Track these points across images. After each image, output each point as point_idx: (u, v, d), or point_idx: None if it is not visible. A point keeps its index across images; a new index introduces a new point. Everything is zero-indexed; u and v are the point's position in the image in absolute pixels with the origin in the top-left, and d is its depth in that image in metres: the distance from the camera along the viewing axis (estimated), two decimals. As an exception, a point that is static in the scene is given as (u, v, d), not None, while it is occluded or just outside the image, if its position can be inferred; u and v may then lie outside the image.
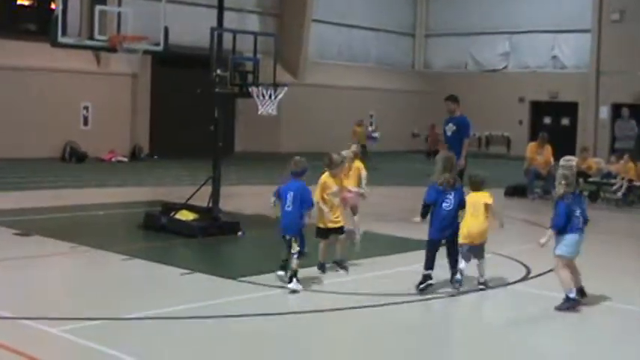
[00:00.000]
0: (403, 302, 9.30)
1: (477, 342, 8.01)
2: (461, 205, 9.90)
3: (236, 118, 32.06)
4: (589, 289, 9.55)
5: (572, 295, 9.13)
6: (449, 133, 16.18)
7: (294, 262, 9.78)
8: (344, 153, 11.82)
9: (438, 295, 9.67)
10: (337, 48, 39.52)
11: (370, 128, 32.56)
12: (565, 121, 38.35)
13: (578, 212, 9.29)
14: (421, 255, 9.92)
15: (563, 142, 31.10)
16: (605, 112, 36.35)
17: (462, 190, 10.09)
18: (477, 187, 10.21)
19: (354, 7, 39.80)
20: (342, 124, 32.19)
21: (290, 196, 9.89)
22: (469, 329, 8.63)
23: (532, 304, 9.75)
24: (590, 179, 21.26)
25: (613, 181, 20.91)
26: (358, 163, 12.75)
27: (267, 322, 8.41)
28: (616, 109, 33.02)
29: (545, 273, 10.92)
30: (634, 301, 9.73)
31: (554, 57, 39.07)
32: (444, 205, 9.81)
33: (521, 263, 11.61)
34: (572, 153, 23.58)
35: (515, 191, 21.52)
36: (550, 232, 9.28)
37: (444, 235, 9.91)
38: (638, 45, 34.82)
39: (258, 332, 8.06)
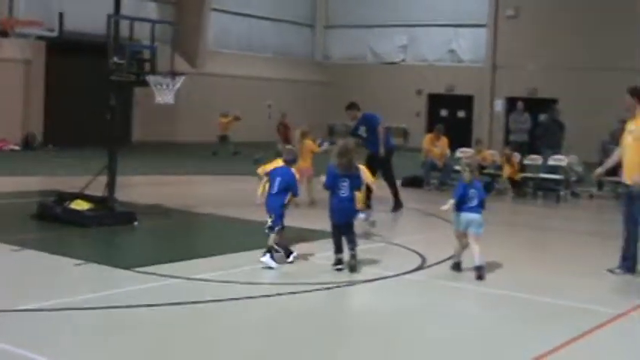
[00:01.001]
0: (303, 291, 9.29)
1: (370, 330, 8.05)
2: (356, 188, 10.49)
3: (134, 107, 31.56)
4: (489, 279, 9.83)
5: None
6: (365, 135, 16.47)
7: (270, 238, 10.44)
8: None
9: (337, 284, 9.70)
10: (237, 38, 39.29)
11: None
12: (461, 114, 39.07)
13: (473, 193, 10.45)
14: (323, 244, 10.00)
15: (460, 134, 31.68)
16: (500, 106, 37.19)
17: (359, 175, 10.60)
18: None
19: (254, -3, 39.70)
20: (241, 114, 32.00)
21: (277, 181, 10.59)
22: (363, 317, 8.66)
23: (426, 292, 9.88)
24: (485, 170, 21.67)
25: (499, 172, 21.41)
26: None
27: (160, 312, 8.28)
28: (511, 103, 33.76)
29: (439, 262, 11.11)
30: (532, 291, 9.91)
31: (452, 51, 39.72)
32: (340, 192, 10.33)
33: (417, 252, 11.73)
34: (468, 145, 24.10)
35: (412, 182, 21.80)
36: (452, 201, 10.50)
37: (342, 219, 10.42)
38: (533, 40, 35.70)
39: (151, 322, 7.94)
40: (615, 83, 33.00)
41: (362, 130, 16.61)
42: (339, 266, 10.36)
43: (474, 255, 10.30)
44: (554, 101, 32.77)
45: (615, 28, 33.91)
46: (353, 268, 10.32)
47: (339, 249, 10.44)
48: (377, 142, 16.10)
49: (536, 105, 31.06)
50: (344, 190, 10.31)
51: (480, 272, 10.23)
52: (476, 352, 7.49)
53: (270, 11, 40.49)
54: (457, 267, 10.67)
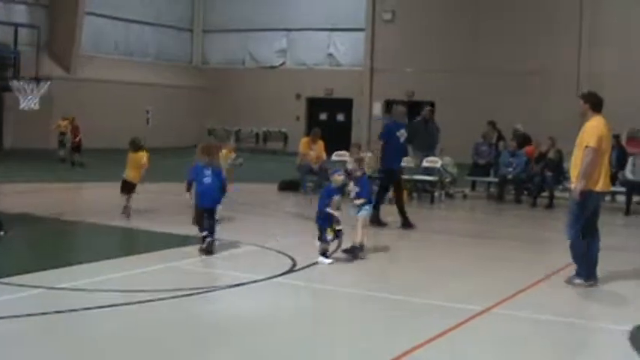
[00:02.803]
0: (170, 298, 9.10)
1: (236, 334, 7.94)
2: (218, 178, 11.91)
3: (4, 113, 30.55)
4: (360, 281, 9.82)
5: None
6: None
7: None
8: None
9: (206, 289, 9.55)
10: (114, 42, 38.59)
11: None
12: (340, 117, 39.34)
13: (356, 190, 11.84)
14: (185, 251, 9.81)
15: (339, 137, 31.89)
16: (378, 109, 37.58)
17: (220, 170, 12.08)
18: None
19: (131, 1, 39.06)
20: (118, 120, 31.46)
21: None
22: (229, 322, 8.52)
23: (296, 295, 9.84)
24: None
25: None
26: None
27: (15, 324, 7.96)
28: (388, 106, 34.17)
29: (310, 265, 11.10)
30: (402, 292, 9.98)
31: (330, 54, 39.95)
32: (204, 179, 11.74)
33: (288, 256, 11.68)
34: (347, 148, 24.16)
35: (288, 186, 21.80)
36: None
37: (206, 203, 11.75)
38: (409, 44, 36.23)
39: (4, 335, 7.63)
40: (489, 86, 34.03)
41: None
42: (204, 244, 11.61)
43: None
44: (431, 104, 33.35)
45: (491, 32, 34.73)
46: (209, 251, 11.54)
47: (202, 228, 11.68)
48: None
49: (415, 108, 31.44)
50: (207, 178, 11.73)
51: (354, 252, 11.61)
52: (342, 352, 7.48)
53: (147, 15, 39.94)
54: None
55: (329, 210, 11.22)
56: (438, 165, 21.20)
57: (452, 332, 8.13)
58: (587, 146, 10.45)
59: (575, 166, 10.68)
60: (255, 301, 9.45)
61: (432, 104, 33.54)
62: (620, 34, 32.76)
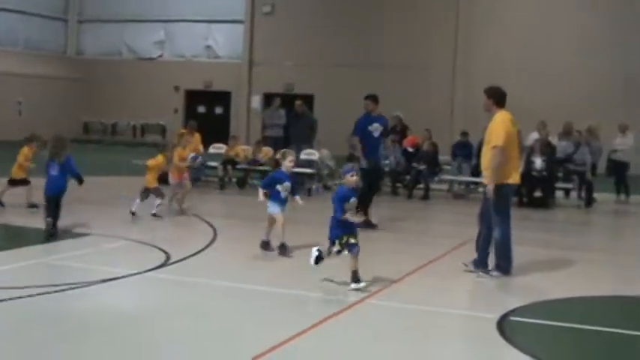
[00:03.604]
0: (29, 296, 8.79)
1: (105, 331, 7.71)
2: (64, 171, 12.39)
3: None
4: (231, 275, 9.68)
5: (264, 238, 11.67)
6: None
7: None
8: None
9: (75, 285, 9.26)
10: (-18, 31, 37.30)
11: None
12: (219, 110, 39.04)
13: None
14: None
15: (217, 130, 31.64)
16: (256, 102, 37.45)
17: (69, 161, 12.43)
18: None
19: (1, -12, 37.84)
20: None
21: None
22: (98, 318, 8.28)
23: (167, 289, 9.65)
24: (238, 166, 21.74)
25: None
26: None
27: None
28: (267, 99, 34.09)
29: (184, 259, 10.93)
30: (274, 283, 9.90)
31: (209, 47, 39.60)
32: (51, 171, 12.37)
33: (161, 250, 11.47)
34: (225, 141, 24.01)
35: (164, 179, 21.39)
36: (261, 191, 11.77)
37: (50, 192, 12.30)
38: (289, 37, 36.22)
39: None
40: (368, 79, 34.31)
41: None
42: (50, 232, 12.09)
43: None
44: (310, 97, 33.48)
45: (370, 26, 35.02)
46: (51, 236, 11.98)
47: (49, 215, 12.16)
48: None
49: (294, 100, 31.43)
50: (54, 171, 12.29)
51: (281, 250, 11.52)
52: (211, 346, 7.34)
53: (18, 3, 38.67)
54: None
55: (348, 217, 9.69)
56: (316, 158, 21.25)
57: (324, 323, 8.10)
58: (494, 146, 10.56)
59: (484, 164, 10.85)
60: (124, 296, 9.23)
61: (312, 97, 33.79)
62: (493, 30, 33.56)
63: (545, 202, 19.69)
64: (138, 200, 14.66)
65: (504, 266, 10.80)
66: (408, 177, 21.51)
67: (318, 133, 23.32)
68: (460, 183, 22.55)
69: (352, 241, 9.63)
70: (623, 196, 21.74)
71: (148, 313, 8.51)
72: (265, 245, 11.73)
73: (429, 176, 21.11)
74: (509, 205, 10.99)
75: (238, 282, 9.91)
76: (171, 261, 10.88)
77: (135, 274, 10.04)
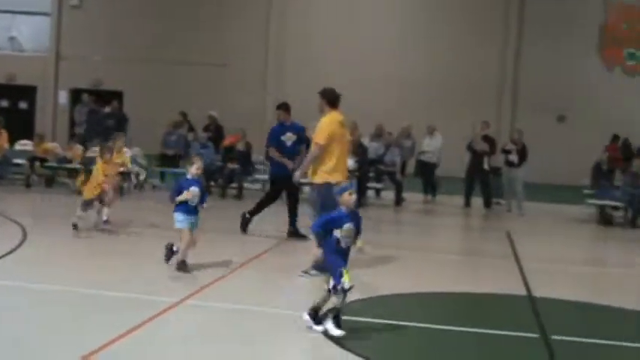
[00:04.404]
0: None
1: None
2: None
3: None
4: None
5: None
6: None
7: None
8: None
9: None
10: None
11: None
12: (23, 105, 37.48)
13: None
14: None
15: (21, 127, 30.43)
16: (64, 97, 36.26)
17: None
18: None
19: None
20: None
21: None
22: None
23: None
24: (47, 163, 21.02)
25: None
26: None
27: None
28: (76, 94, 33.09)
29: None
30: (94, 286, 9.58)
31: (13, 38, 37.93)
32: None
33: None
34: (30, 137, 23.15)
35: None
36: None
37: None
38: (98, 31, 35.25)
39: None
40: (180, 76, 33.97)
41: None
42: None
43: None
44: (119, 93, 32.77)
45: (182, 22, 34.59)
46: None
47: None
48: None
49: (103, 97, 30.71)
50: None
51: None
52: (32, 351, 7.01)
53: None
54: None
55: (345, 244, 8.15)
56: (129, 155, 20.79)
57: (143, 327, 7.91)
58: (315, 142, 11.20)
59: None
60: None
61: (121, 94, 33.10)
62: (307, 30, 33.98)
63: (358, 201, 20.07)
64: None
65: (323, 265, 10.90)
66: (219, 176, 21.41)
67: (129, 131, 22.88)
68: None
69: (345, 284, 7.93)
70: (430, 196, 22.52)
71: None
72: (182, 266, 10.55)
73: (242, 175, 21.12)
74: (332, 204, 11.08)
75: (54, 284, 9.54)
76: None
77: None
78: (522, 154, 21.34)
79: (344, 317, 8.08)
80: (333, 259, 8.02)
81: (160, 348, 7.47)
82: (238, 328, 8.25)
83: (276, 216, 15.04)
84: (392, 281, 11.04)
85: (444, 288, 10.86)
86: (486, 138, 21.78)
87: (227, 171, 21.15)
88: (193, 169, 10.70)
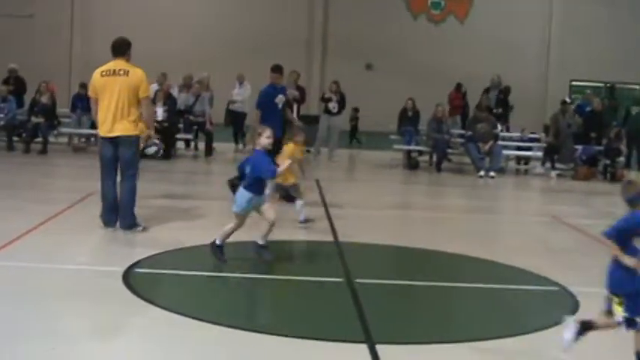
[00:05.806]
0: None
1: None
2: None
3: None
4: None
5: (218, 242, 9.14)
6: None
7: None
8: None
9: None
10: None
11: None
12: None
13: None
14: None
15: None
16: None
17: None
18: None
19: None
20: None
21: None
22: None
23: None
24: None
25: None
26: None
27: None
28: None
29: None
30: None
31: None
32: None
33: None
34: None
35: None
36: None
37: None
38: None
39: None
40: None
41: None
42: None
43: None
44: None
45: None
46: None
47: None
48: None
49: None
50: None
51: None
52: None
53: None
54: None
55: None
56: None
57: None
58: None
59: None
60: None
61: None
62: None
63: (166, 153, 19.78)
64: None
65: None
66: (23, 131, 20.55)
67: None
68: (80, 136, 22.10)
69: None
70: (241, 146, 22.48)
71: None
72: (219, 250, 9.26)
73: (47, 130, 20.38)
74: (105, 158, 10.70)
75: None
76: None
77: None
78: (342, 102, 21.99)
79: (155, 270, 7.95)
80: None
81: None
82: (38, 287, 7.91)
83: (73, 178, 14.54)
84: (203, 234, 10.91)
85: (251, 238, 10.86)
86: (297, 87, 21.89)
87: (31, 125, 20.35)
88: (263, 139, 9.26)
